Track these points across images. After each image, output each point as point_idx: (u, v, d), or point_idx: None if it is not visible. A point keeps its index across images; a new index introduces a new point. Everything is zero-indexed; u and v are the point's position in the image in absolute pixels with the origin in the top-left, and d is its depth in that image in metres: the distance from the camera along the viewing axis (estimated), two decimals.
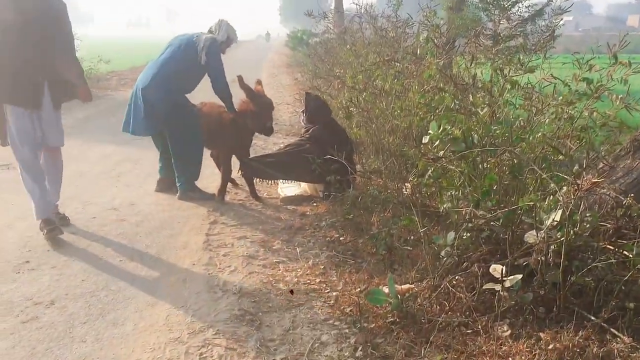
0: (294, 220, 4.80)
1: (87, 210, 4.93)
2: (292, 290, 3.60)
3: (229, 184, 5.58)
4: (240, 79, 5.07)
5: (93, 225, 4.60)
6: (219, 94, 5.25)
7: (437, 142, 3.81)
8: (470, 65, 4.54)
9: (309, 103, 5.56)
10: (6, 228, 4.48)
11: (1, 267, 3.76)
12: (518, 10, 12.53)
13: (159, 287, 3.53)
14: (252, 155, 5.60)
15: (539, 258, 2.97)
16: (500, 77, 4.66)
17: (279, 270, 3.84)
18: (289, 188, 5.59)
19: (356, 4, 9.30)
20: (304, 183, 5.54)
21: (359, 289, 3.46)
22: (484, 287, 2.96)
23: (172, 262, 3.93)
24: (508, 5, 12.57)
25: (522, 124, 3.96)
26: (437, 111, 4.68)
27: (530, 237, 3.03)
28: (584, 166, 3.19)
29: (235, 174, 5.60)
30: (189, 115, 5.23)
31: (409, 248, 3.73)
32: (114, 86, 15.26)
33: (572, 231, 2.86)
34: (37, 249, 4.09)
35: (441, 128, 3.70)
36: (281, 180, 5.59)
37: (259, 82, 5.45)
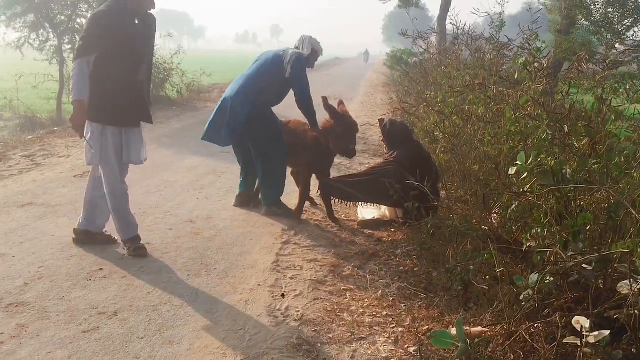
0: (369, 246, 4.62)
1: (166, 221, 5.01)
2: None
3: (308, 203, 5.49)
4: (324, 100, 5.00)
5: (168, 236, 4.65)
6: (301, 108, 5.22)
7: (524, 175, 3.52)
8: (568, 92, 4.19)
9: (384, 129, 5.37)
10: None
11: (76, 272, 3.85)
12: (633, 34, 11.69)
13: (220, 307, 3.46)
14: (334, 176, 5.49)
15: (632, 312, 2.62)
16: (603, 107, 4.28)
17: (346, 298, 3.67)
18: (368, 210, 5.42)
19: (453, 24, 9.02)
20: (383, 206, 5.35)
21: (427, 327, 3.22)
22: (564, 341, 2.64)
23: (238, 281, 3.86)
24: (622, 29, 11.77)
25: (623, 159, 3.57)
26: (528, 141, 4.36)
27: (624, 287, 2.67)
28: None
29: (315, 193, 5.51)
30: (271, 128, 5.24)
31: (485, 287, 3.44)
32: (214, 98, 15.78)
33: None
34: (112, 256, 4.17)
35: (530, 159, 3.41)
36: (360, 203, 5.45)
37: (341, 103, 5.35)
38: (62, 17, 12.22)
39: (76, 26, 12.37)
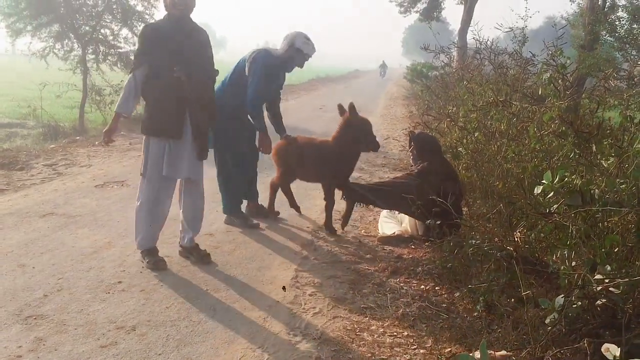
0: (389, 263, 4.54)
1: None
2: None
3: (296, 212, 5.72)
4: (340, 106, 5.12)
5: None
6: (248, 105, 5.09)
7: (550, 194, 3.44)
8: (596, 110, 4.10)
9: (412, 140, 5.29)
10: (108, 245, 4.62)
11: (95, 285, 3.83)
12: None
13: (238, 323, 3.41)
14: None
15: None
16: (631, 125, 4.19)
17: (366, 317, 3.60)
18: (388, 224, 5.35)
19: (476, 39, 8.97)
20: (405, 222, 5.28)
21: (448, 349, 3.15)
22: None
23: (257, 296, 3.81)
24: None
25: None
26: (553, 159, 4.28)
27: None
28: None
29: (340, 198, 5.40)
30: (222, 134, 5.09)
31: (509, 309, 3.36)
32: None
33: None
34: (131, 268, 4.15)
35: (556, 178, 3.34)
36: (384, 217, 5.41)
37: (341, 108, 5.24)
38: (87, 28, 12.37)
39: (100, 36, 12.51)
